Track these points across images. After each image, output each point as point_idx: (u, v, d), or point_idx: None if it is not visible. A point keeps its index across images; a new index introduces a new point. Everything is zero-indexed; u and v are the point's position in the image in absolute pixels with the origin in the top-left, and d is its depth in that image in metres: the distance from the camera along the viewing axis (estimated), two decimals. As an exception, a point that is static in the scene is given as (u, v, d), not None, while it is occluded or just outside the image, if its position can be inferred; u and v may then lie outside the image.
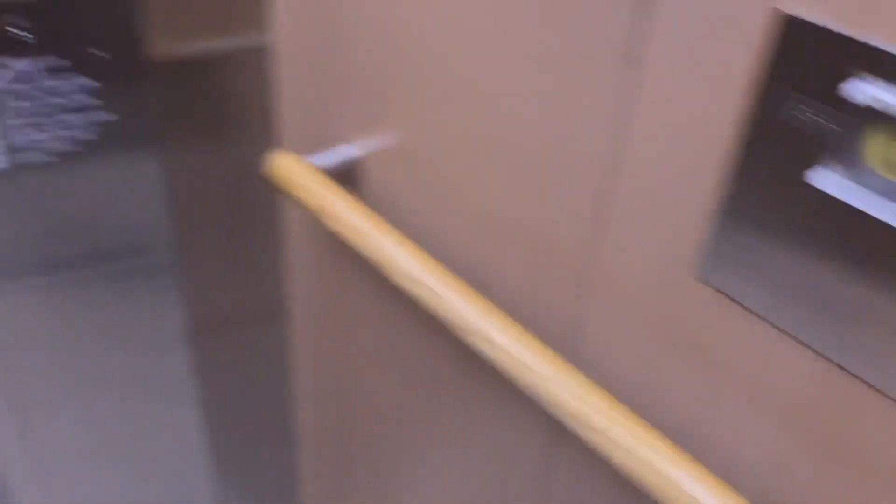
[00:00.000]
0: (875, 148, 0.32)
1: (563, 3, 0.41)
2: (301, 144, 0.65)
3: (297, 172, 0.58)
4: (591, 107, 0.42)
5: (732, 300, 0.39)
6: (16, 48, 0.55)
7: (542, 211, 0.48)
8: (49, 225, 0.64)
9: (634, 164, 0.41)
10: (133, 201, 0.65)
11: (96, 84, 0.59)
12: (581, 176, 0.44)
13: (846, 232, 0.33)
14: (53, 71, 0.57)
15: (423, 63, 0.51)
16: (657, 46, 0.38)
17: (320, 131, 0.63)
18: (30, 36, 0.55)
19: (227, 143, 0.68)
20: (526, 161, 0.47)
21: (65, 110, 0.59)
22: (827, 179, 0.33)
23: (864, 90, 0.31)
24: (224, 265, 0.74)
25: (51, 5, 0.55)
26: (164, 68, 0.61)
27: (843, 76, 0.31)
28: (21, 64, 0.56)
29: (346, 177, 0.61)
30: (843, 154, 0.33)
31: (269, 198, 0.71)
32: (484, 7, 0.45)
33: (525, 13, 0.43)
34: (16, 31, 0.54)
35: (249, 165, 0.71)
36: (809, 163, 0.34)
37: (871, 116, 0.31)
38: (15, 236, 0.63)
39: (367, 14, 0.54)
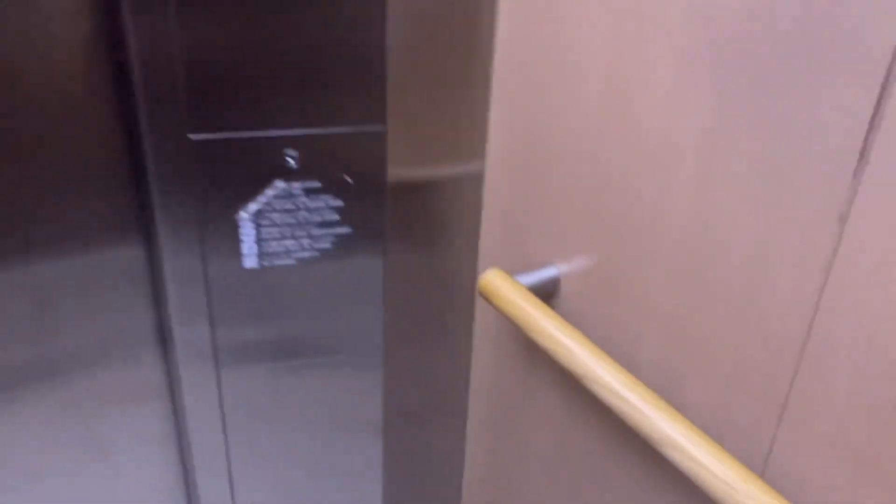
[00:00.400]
0: None
1: (784, 159, 0.47)
2: (505, 262, 0.73)
3: (504, 288, 0.66)
4: (799, 254, 0.47)
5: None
6: (282, 171, 0.67)
7: (743, 338, 0.53)
8: (283, 318, 0.74)
9: (835, 303, 0.46)
10: (354, 302, 0.74)
11: (340, 203, 0.69)
12: (785, 312, 0.49)
13: None
14: (308, 191, 0.68)
15: (631, 197, 0.58)
16: (862, 202, 0.44)
17: (524, 251, 0.71)
18: (294, 162, 0.67)
19: (438, 256, 0.77)
20: (732, 294, 0.53)
21: (311, 224, 0.70)
22: None
23: None
24: (421, 362, 0.82)
25: (316, 139, 0.66)
26: (395, 189, 0.71)
27: None
28: (283, 184, 0.67)
29: (545, 291, 0.68)
30: None
31: (467, 306, 0.80)
32: (699, 153, 0.52)
33: (743, 164, 0.50)
34: (288, 157, 0.66)
35: (454, 276, 0.80)
36: None
37: None
38: (256, 326, 0.73)
39: (572, 149, 0.62)
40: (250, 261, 0.70)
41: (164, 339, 0.75)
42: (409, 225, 0.74)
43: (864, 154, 0.43)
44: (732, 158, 0.50)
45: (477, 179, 0.75)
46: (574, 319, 0.67)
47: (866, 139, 0.42)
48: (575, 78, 0.60)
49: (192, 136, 0.63)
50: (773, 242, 0.49)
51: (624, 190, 0.59)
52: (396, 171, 0.70)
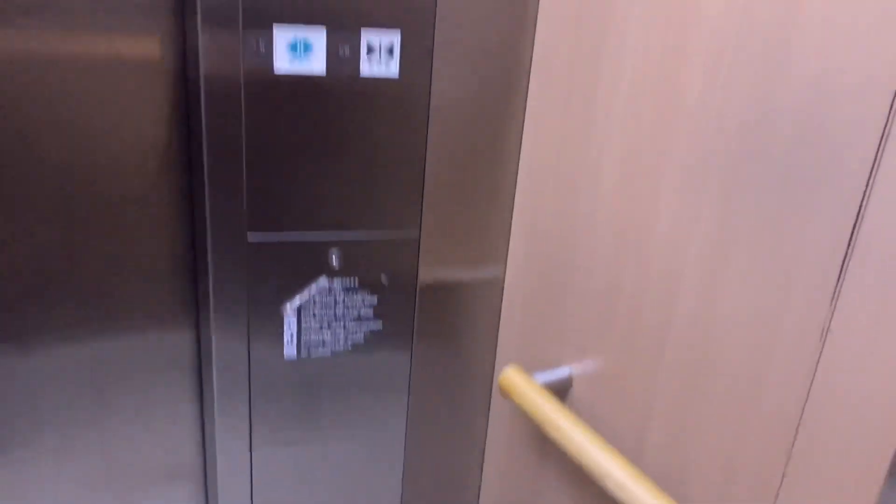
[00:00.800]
0: None
1: (775, 278, 0.54)
2: (523, 359, 0.80)
3: (521, 385, 0.72)
4: (788, 361, 0.54)
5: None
6: (325, 270, 0.74)
7: (738, 436, 0.58)
8: (316, 404, 0.80)
9: (820, 403, 0.52)
10: (381, 391, 0.80)
11: (375, 300, 0.76)
12: (776, 412, 0.55)
13: None
14: (346, 289, 0.75)
15: (639, 306, 0.65)
16: (841, 319, 0.50)
17: (540, 350, 0.77)
18: (337, 262, 0.74)
19: (461, 350, 0.84)
20: (729, 395, 0.59)
21: (348, 319, 0.76)
22: None
23: None
24: (439, 449, 0.87)
25: (357, 242, 0.74)
26: (424, 289, 0.78)
27: None
28: (326, 281, 0.75)
29: (559, 388, 0.74)
30: None
31: (485, 398, 0.86)
32: (700, 270, 0.59)
33: (738, 281, 0.57)
34: (332, 258, 0.73)
35: (474, 370, 0.86)
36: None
37: None
38: (290, 410, 0.79)
39: (585, 260, 0.69)
40: (290, 351, 0.76)
41: (202, 418, 0.81)
42: (436, 322, 0.81)
43: (841, 275, 0.50)
44: (729, 275, 0.57)
45: (498, 283, 0.82)
46: (585, 415, 0.73)
47: (843, 263, 0.50)
48: (588, 195, 0.68)
49: (250, 237, 0.71)
50: (765, 349, 0.55)
51: (632, 299, 0.66)
52: (426, 273, 0.78)
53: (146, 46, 0.65)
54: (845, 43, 0.48)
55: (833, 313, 0.51)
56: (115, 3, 0.63)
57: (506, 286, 0.82)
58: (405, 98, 0.70)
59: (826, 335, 0.51)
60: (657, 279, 0.63)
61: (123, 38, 0.65)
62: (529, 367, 0.78)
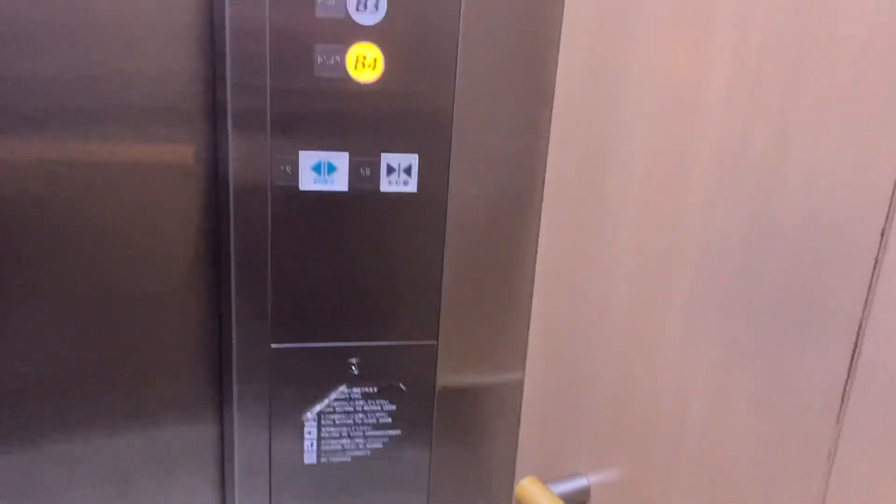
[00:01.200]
0: None
1: (780, 399, 0.55)
2: (540, 468, 0.80)
3: (538, 496, 0.73)
4: (795, 483, 0.54)
5: None
6: (345, 377, 0.76)
7: (752, 559, 0.58)
8: (334, 511, 0.80)
9: (834, 531, 0.52)
10: (400, 496, 0.81)
11: (393, 407, 0.78)
12: (788, 535, 0.55)
13: None
14: (365, 396, 0.77)
15: (651, 419, 0.66)
16: (847, 442, 0.51)
17: (557, 459, 0.78)
18: (356, 370, 0.76)
19: (479, 457, 0.84)
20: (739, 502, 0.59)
21: (367, 426, 0.78)
22: None
23: None
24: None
25: (376, 351, 0.76)
26: (442, 394, 0.80)
27: None
28: (345, 389, 0.77)
29: (576, 500, 0.74)
30: None
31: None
32: (708, 385, 0.60)
33: (745, 400, 0.58)
34: (352, 366, 0.76)
35: (492, 476, 0.86)
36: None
37: None
38: (309, 517, 0.80)
39: (599, 374, 0.71)
40: (310, 456, 0.78)
41: (224, 524, 0.82)
42: (455, 427, 0.82)
43: (844, 398, 0.51)
44: (735, 395, 0.58)
45: (518, 388, 0.84)
46: (602, 528, 0.73)
47: (846, 385, 0.51)
48: (599, 307, 0.70)
49: (274, 346, 0.73)
50: (772, 467, 0.56)
51: (645, 413, 0.67)
52: (444, 379, 0.79)
53: (180, 154, 0.70)
54: (836, 170, 0.50)
55: (839, 436, 0.51)
56: (151, 113, 0.68)
57: (525, 392, 0.83)
58: (423, 211, 0.73)
59: (833, 459, 0.52)
60: (667, 394, 0.64)
61: (158, 144, 0.69)
62: (549, 474, 0.78)
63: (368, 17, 0.65)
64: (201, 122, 0.68)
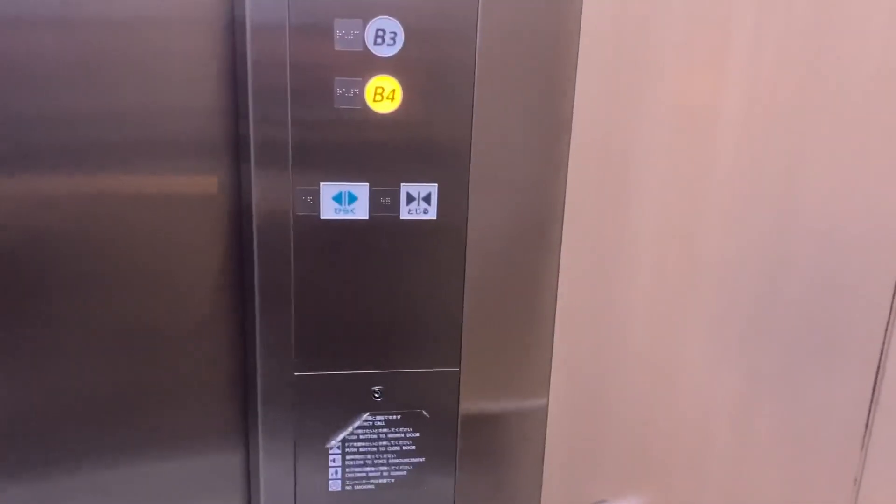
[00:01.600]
0: None
1: (805, 429, 0.55)
2: (565, 494, 0.80)
3: (562, 521, 0.72)
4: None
5: None
6: (368, 405, 0.77)
7: (780, 588, 0.57)
8: (359, 539, 0.80)
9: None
10: (424, 527, 0.81)
11: (417, 434, 0.78)
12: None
13: None
14: (388, 423, 0.78)
15: (675, 447, 0.66)
16: (872, 469, 0.50)
17: (582, 485, 0.77)
18: (379, 397, 0.77)
19: (504, 483, 0.84)
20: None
21: (390, 453, 0.78)
22: None
23: None
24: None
25: (399, 378, 0.76)
26: (466, 421, 0.80)
27: None
28: (369, 416, 0.77)
29: (601, 528, 0.74)
30: None
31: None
32: (732, 415, 0.60)
33: (769, 430, 0.57)
34: (374, 393, 0.76)
35: (515, 501, 0.86)
36: None
37: None
38: (334, 546, 0.80)
39: (622, 401, 0.70)
40: (335, 484, 0.78)
41: (250, 552, 0.82)
42: (479, 454, 0.82)
43: (868, 424, 0.50)
44: (759, 421, 0.58)
45: (542, 414, 0.84)
46: (628, 556, 0.72)
47: (869, 412, 0.50)
48: (620, 335, 0.70)
49: (297, 374, 0.74)
50: (798, 494, 0.55)
51: (669, 439, 0.66)
52: (467, 406, 0.79)
53: (204, 186, 0.71)
54: (852, 194, 0.50)
55: (864, 463, 0.51)
56: (175, 146, 0.69)
57: (549, 419, 0.83)
58: (443, 238, 0.74)
59: (859, 486, 0.51)
60: (691, 421, 0.64)
61: (182, 177, 0.70)
62: (574, 501, 0.78)
63: (386, 50, 0.66)
64: (224, 154, 0.70)
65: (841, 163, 0.51)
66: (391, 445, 0.78)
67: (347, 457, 0.78)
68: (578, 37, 0.71)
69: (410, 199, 0.71)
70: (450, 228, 0.73)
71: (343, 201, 0.70)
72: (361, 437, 0.78)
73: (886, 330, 0.48)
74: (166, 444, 0.77)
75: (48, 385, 0.73)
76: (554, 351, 0.81)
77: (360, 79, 0.66)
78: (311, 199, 0.70)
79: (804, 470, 0.54)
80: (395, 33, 0.66)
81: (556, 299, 0.80)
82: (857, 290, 0.50)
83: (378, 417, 0.77)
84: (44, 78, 0.65)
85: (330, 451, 0.77)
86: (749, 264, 0.57)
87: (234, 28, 0.66)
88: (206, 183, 0.71)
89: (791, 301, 0.54)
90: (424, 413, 0.78)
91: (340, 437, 0.77)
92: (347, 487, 0.79)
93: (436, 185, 0.71)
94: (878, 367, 0.49)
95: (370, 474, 0.79)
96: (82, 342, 0.72)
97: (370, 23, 0.65)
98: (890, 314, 0.48)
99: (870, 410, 0.49)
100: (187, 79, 0.67)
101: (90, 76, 0.66)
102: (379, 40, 0.65)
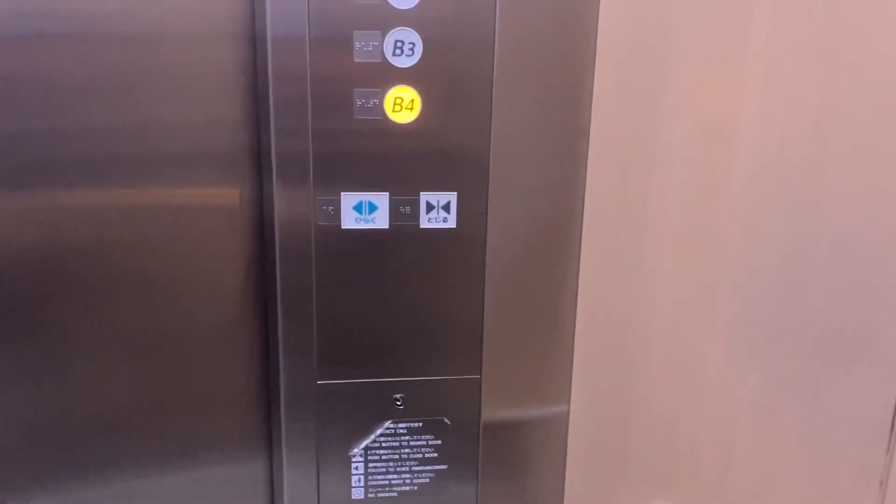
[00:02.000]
0: None
1: (829, 433, 0.55)
2: (586, 500, 0.80)
3: (586, 527, 0.72)
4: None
5: None
6: (390, 412, 0.77)
7: None
8: (382, 546, 0.81)
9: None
10: (446, 534, 0.81)
11: (439, 442, 0.78)
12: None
13: None
14: (410, 431, 0.78)
15: (697, 452, 0.66)
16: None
17: (603, 494, 0.77)
18: (401, 405, 0.77)
19: (526, 490, 0.84)
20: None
21: (413, 461, 0.79)
22: None
23: None
24: None
25: (420, 385, 0.77)
26: (488, 428, 0.80)
27: None
28: (391, 424, 0.77)
29: (624, 534, 0.74)
30: None
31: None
32: (752, 420, 0.60)
33: (791, 434, 0.57)
34: (396, 401, 0.76)
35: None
36: None
37: None
38: (357, 553, 0.81)
39: (643, 407, 0.70)
40: (357, 492, 0.78)
41: (274, 560, 0.83)
42: (500, 461, 0.82)
43: (894, 429, 0.50)
44: (783, 425, 0.58)
45: (563, 421, 0.84)
46: (652, 562, 0.72)
47: (894, 418, 0.50)
48: (642, 339, 0.70)
49: (320, 382, 0.75)
50: (823, 500, 0.55)
51: (692, 445, 0.66)
52: (489, 412, 0.80)
53: (226, 197, 0.72)
54: (872, 199, 0.50)
55: (890, 466, 0.50)
56: (198, 158, 0.70)
57: (570, 424, 0.83)
58: (463, 246, 0.74)
59: (885, 490, 0.51)
60: (713, 426, 0.64)
61: (205, 189, 0.71)
62: (594, 508, 0.78)
63: (405, 61, 0.66)
64: (245, 166, 0.70)
65: (861, 167, 0.51)
66: (413, 453, 0.79)
67: (370, 464, 0.78)
68: (595, 43, 0.71)
69: (430, 207, 0.72)
70: (469, 236, 0.74)
71: (363, 211, 0.71)
72: (384, 444, 0.78)
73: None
74: (189, 453, 0.78)
75: (73, 395, 0.74)
76: (575, 357, 0.81)
77: (380, 89, 0.67)
78: (331, 210, 0.70)
79: (829, 473, 0.54)
80: (413, 44, 0.66)
81: (576, 305, 0.80)
82: (879, 295, 0.50)
83: (400, 425, 0.78)
84: (68, 92, 0.66)
85: (352, 459, 0.78)
86: (770, 269, 0.57)
87: (255, 41, 0.67)
88: (228, 194, 0.71)
89: (813, 306, 0.54)
90: (446, 420, 0.78)
91: (363, 444, 0.78)
92: (370, 495, 0.79)
93: (455, 193, 0.71)
94: (903, 371, 0.49)
95: (393, 482, 0.79)
96: (106, 352, 0.73)
97: (389, 34, 0.66)
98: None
99: (895, 414, 0.49)
100: (209, 92, 0.68)
101: (113, 91, 0.67)
102: (398, 51, 0.66)
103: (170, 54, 0.67)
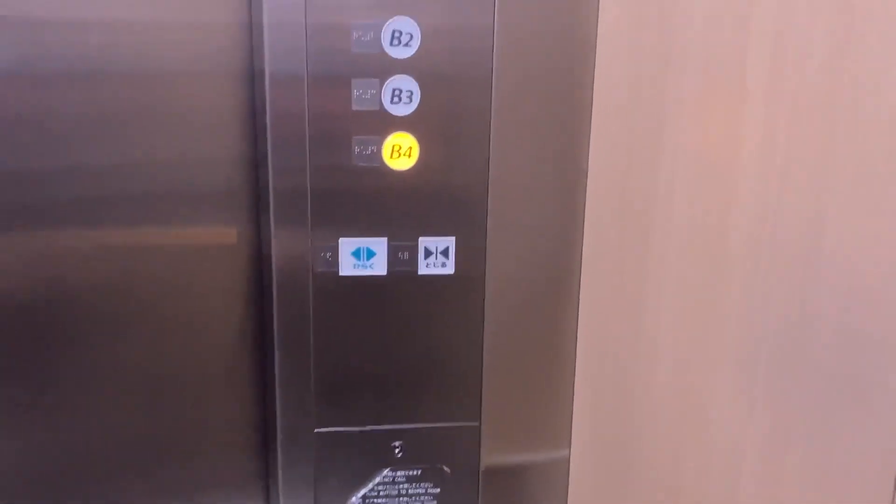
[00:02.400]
0: None
1: (836, 470, 0.54)
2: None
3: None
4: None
5: None
6: (389, 460, 0.76)
7: None
8: None
9: None
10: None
11: (437, 490, 0.77)
12: None
13: None
14: (409, 479, 0.77)
15: (705, 493, 0.65)
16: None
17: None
18: (399, 453, 0.76)
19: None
20: None
21: (411, 508, 0.77)
22: None
23: None
24: None
25: (419, 433, 0.76)
26: (487, 474, 0.79)
27: None
28: (389, 472, 0.76)
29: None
30: None
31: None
32: (760, 456, 0.59)
33: (798, 471, 0.56)
34: (395, 449, 0.75)
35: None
36: None
37: None
38: None
39: (647, 447, 0.69)
40: (356, 542, 0.77)
41: None
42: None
43: (901, 478, 0.49)
44: (789, 472, 0.57)
45: (563, 465, 0.82)
46: None
47: (901, 466, 0.49)
48: (644, 387, 0.69)
49: (317, 430, 0.74)
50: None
51: (696, 491, 0.65)
52: (488, 459, 0.79)
53: (223, 236, 0.72)
54: (873, 245, 0.50)
55: (898, 517, 0.50)
56: (195, 197, 0.70)
57: (571, 470, 0.82)
58: (461, 291, 0.74)
59: (893, 540, 0.50)
60: (718, 472, 0.63)
61: (202, 228, 0.71)
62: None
63: (403, 109, 0.67)
64: (243, 205, 0.70)
65: (862, 214, 0.51)
66: (412, 501, 0.77)
67: (368, 513, 0.77)
68: (593, 86, 0.72)
69: (428, 253, 0.71)
70: (468, 281, 0.73)
71: (361, 257, 0.71)
72: (382, 493, 0.77)
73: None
74: (185, 497, 0.77)
75: (68, 436, 0.72)
76: (575, 400, 0.80)
77: (378, 137, 0.67)
78: (329, 256, 0.70)
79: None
80: (411, 92, 0.66)
81: (575, 348, 0.79)
82: (885, 343, 0.50)
83: (399, 473, 0.77)
84: (65, 131, 0.66)
85: (351, 509, 0.76)
86: (772, 314, 0.56)
87: (253, 80, 0.67)
88: (226, 233, 0.71)
89: (816, 354, 0.54)
90: (445, 468, 0.77)
91: (361, 493, 0.76)
92: (369, 544, 0.78)
93: (453, 237, 0.71)
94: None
95: (392, 531, 0.78)
96: (101, 393, 0.72)
97: (387, 83, 0.66)
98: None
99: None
100: (207, 130, 0.68)
101: (111, 129, 0.67)
102: (395, 99, 0.66)
103: (168, 92, 0.67)
